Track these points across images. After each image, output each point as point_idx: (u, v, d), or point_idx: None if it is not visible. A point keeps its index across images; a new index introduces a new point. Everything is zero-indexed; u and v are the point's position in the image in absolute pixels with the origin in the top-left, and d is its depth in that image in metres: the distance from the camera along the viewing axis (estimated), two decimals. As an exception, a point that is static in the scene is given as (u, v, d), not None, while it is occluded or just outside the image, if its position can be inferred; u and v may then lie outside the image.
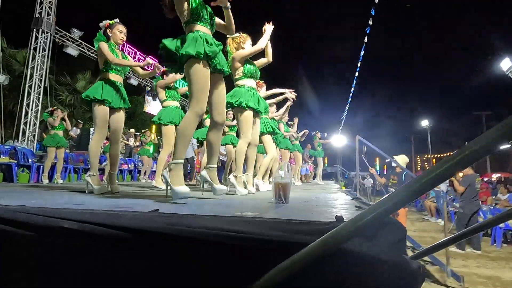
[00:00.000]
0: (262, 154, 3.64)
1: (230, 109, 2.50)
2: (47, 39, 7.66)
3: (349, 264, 0.68)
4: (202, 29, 1.67)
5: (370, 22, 5.55)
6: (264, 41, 2.40)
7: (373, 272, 0.66)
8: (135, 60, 10.67)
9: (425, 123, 21.83)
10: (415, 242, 3.32)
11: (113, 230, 0.96)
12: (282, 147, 5.01)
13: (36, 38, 7.55)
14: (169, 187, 1.55)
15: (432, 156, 29.58)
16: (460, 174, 6.45)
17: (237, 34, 2.49)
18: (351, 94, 9.57)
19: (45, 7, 7.48)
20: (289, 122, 6.01)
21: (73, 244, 1.00)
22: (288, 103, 3.96)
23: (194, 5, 1.65)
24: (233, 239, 0.80)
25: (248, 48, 2.45)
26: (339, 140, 16.34)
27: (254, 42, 2.51)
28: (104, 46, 2.25)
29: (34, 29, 7.48)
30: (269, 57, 2.62)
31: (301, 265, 0.69)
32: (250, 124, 2.35)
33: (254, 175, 2.84)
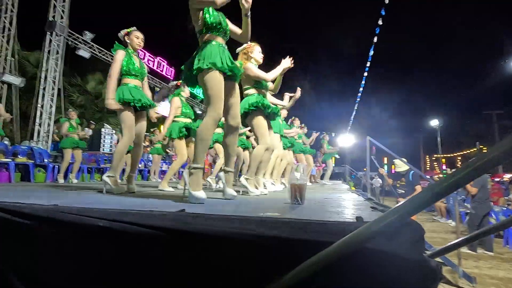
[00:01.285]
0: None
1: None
2: (60, 41, 7.85)
3: (372, 262, 0.72)
4: (216, 39, 1.74)
5: (380, 22, 5.55)
6: (274, 75, 2.47)
7: (395, 270, 0.71)
8: (144, 62, 10.83)
9: (434, 122, 21.52)
10: (426, 242, 3.33)
11: (145, 228, 1.03)
12: (297, 152, 5.06)
13: (50, 41, 7.74)
14: (187, 188, 1.62)
15: (442, 156, 29.15)
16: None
17: (245, 45, 2.54)
18: (359, 94, 9.52)
19: (58, 11, 7.67)
20: (302, 125, 6.06)
21: (106, 242, 1.07)
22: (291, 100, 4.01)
23: (209, 16, 1.72)
24: (259, 238, 0.86)
25: (257, 70, 2.47)
26: (347, 139, 16.27)
27: (264, 50, 2.57)
28: (117, 56, 2.36)
29: (48, 32, 7.67)
30: (275, 90, 2.74)
31: (325, 263, 0.74)
32: (265, 128, 2.40)
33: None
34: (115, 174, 2.29)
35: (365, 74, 7.62)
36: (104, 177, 2.28)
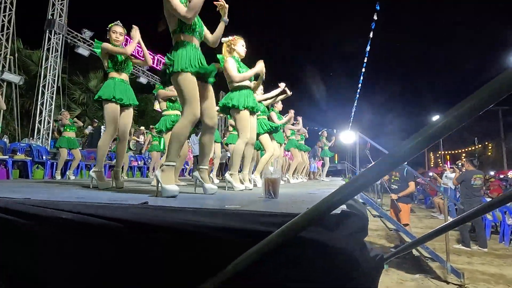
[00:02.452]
0: (258, 151, 3.70)
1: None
2: (59, 40, 7.92)
3: (306, 251, 0.74)
4: (190, 40, 1.76)
5: (375, 17, 5.49)
6: (243, 76, 2.46)
7: (330, 258, 0.72)
8: (141, 58, 10.89)
9: (436, 118, 21.33)
10: (414, 237, 3.32)
11: (105, 220, 1.05)
12: (288, 147, 5.06)
13: (49, 39, 7.81)
14: (159, 185, 1.64)
15: (446, 152, 28.86)
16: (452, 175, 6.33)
17: (230, 37, 2.54)
18: (358, 91, 9.46)
19: (57, 9, 7.73)
20: (295, 122, 6.04)
21: (69, 233, 1.10)
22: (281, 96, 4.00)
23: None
24: (205, 229, 0.88)
25: (231, 67, 2.46)
26: (348, 136, 16.20)
27: (249, 42, 2.57)
28: (103, 46, 2.38)
29: (47, 31, 7.74)
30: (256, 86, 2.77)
31: (262, 253, 0.75)
32: (247, 124, 2.41)
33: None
34: (101, 169, 2.32)
35: (363, 70, 7.56)
36: (91, 172, 2.32)
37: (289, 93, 3.43)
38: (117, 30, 2.47)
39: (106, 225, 1.02)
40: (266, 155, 3.02)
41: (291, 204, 1.48)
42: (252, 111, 2.49)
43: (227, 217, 0.93)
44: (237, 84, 2.47)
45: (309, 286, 0.72)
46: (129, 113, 2.52)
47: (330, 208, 0.69)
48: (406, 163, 4.64)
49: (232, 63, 2.43)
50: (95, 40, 2.47)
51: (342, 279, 0.70)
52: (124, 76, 2.50)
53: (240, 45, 2.52)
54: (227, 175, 2.38)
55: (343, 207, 0.93)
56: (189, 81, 1.68)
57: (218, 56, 2.55)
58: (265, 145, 3.12)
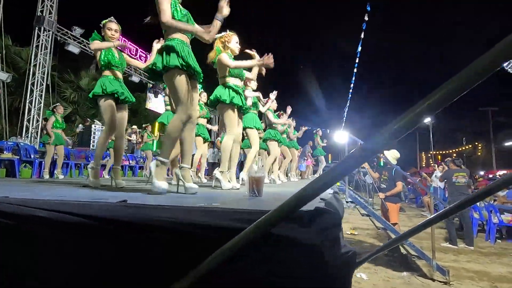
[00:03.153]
0: (249, 149, 3.71)
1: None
2: (49, 37, 7.79)
3: (277, 247, 0.74)
4: (180, 37, 1.75)
5: (366, 18, 5.54)
6: (241, 64, 2.48)
7: (297, 253, 0.73)
8: (136, 58, 10.79)
9: (427, 119, 21.69)
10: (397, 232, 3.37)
11: (80, 218, 1.04)
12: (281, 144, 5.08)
13: (38, 36, 7.68)
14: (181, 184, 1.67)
15: (437, 152, 29.27)
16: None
17: (223, 33, 2.53)
18: (351, 90, 9.54)
19: (47, 6, 7.60)
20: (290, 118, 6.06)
21: (45, 231, 1.09)
22: (272, 97, 4.01)
23: (177, 13, 1.72)
24: (181, 226, 0.88)
25: (230, 61, 2.46)
26: (341, 136, 16.34)
27: (242, 40, 2.56)
28: (95, 42, 2.35)
29: (36, 28, 7.61)
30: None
31: (235, 250, 0.76)
32: (235, 120, 2.41)
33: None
34: (97, 166, 2.30)
35: (355, 70, 7.63)
36: (88, 167, 2.31)
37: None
38: (112, 27, 2.44)
39: (82, 223, 1.01)
40: (252, 151, 3.01)
41: (273, 202, 1.49)
42: (240, 110, 2.49)
43: (201, 214, 0.93)
44: (228, 81, 2.47)
45: (277, 281, 0.73)
46: (125, 109, 2.51)
47: (300, 204, 0.70)
48: (396, 163, 4.70)
49: (226, 56, 2.43)
50: (94, 32, 2.44)
51: (310, 274, 0.71)
52: (119, 75, 2.49)
53: (234, 42, 2.51)
54: (217, 172, 2.38)
55: (318, 204, 0.94)
56: (183, 81, 1.69)
57: (217, 48, 2.53)
58: (253, 140, 3.11)
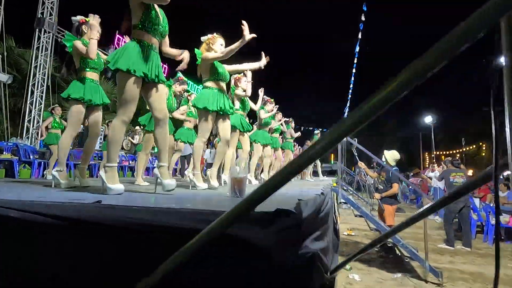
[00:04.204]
0: (239, 149, 3.72)
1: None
2: (49, 38, 7.88)
3: (231, 248, 0.74)
4: (148, 39, 1.75)
5: (363, 18, 5.52)
6: (232, 48, 2.35)
7: (250, 255, 0.73)
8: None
9: (428, 119, 21.58)
10: (394, 237, 3.34)
11: (51, 219, 1.05)
12: (274, 146, 5.08)
13: (39, 38, 7.77)
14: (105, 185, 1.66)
15: (441, 153, 29.03)
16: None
17: (209, 35, 2.52)
18: (350, 90, 9.52)
19: (47, 7, 7.68)
20: (289, 119, 6.01)
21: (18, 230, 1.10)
22: (261, 94, 4.00)
23: (153, 14, 1.73)
24: (149, 227, 0.88)
25: (215, 53, 2.41)
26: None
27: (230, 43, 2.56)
28: (78, 44, 2.32)
29: (37, 29, 7.69)
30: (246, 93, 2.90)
31: (192, 251, 0.76)
32: (208, 126, 2.41)
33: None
34: (63, 168, 2.27)
35: (353, 71, 7.60)
36: (53, 171, 2.27)
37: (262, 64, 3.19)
38: (96, 25, 2.33)
39: (52, 223, 1.02)
40: (228, 151, 3.00)
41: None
42: (224, 113, 2.48)
43: (167, 215, 0.93)
44: (208, 83, 2.47)
45: (228, 281, 0.73)
46: (98, 109, 2.47)
47: (251, 206, 0.70)
48: (395, 165, 4.67)
49: (211, 53, 2.42)
50: (67, 33, 2.44)
51: (259, 274, 0.71)
52: (95, 76, 2.46)
53: (218, 44, 2.47)
54: (189, 173, 2.39)
55: (278, 205, 0.93)
56: (130, 84, 1.66)
57: (196, 50, 2.51)
58: (232, 142, 3.14)
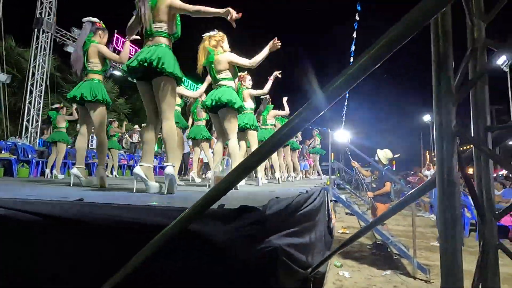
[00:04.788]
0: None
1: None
2: (48, 38, 7.93)
3: (193, 243, 0.80)
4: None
5: (357, 18, 5.55)
6: (262, 57, 2.48)
7: (208, 248, 0.78)
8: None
9: (427, 118, 21.66)
10: (384, 235, 3.40)
11: (34, 216, 1.10)
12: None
13: (38, 37, 7.83)
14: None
15: (441, 151, 28.92)
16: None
17: (213, 32, 2.58)
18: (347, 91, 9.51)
19: (46, 7, 7.74)
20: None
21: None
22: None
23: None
24: (117, 223, 0.94)
25: (245, 59, 2.53)
26: (342, 135, 16.34)
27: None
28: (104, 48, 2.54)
29: (36, 29, 7.75)
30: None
31: (157, 246, 0.81)
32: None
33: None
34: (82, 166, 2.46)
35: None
36: (74, 170, 2.39)
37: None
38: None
39: (34, 220, 1.07)
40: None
41: (231, 200, 1.54)
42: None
43: (141, 212, 0.98)
44: (231, 83, 2.56)
45: (187, 274, 0.78)
46: (93, 108, 2.51)
47: (208, 203, 0.75)
48: (387, 163, 4.72)
49: (236, 56, 2.52)
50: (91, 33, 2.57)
51: (213, 267, 0.76)
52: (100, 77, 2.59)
53: (226, 43, 2.59)
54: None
55: (242, 202, 0.98)
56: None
57: (210, 49, 2.56)
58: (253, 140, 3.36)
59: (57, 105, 5.70)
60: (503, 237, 5.23)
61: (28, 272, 1.02)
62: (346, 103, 12.17)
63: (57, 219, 1.06)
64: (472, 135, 0.72)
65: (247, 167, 0.71)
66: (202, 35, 2.63)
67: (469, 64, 0.76)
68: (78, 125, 2.55)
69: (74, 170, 2.38)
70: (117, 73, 10.45)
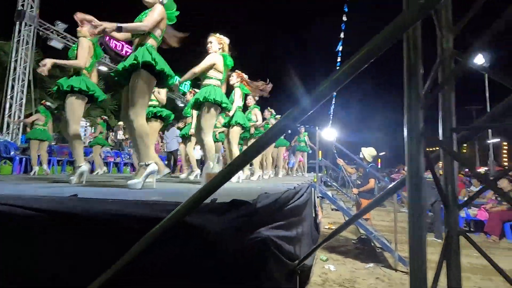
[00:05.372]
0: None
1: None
2: (30, 32, 7.69)
3: (188, 235, 0.86)
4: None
5: (344, 18, 5.68)
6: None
7: (201, 239, 0.84)
8: (124, 53, 10.76)
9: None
10: (368, 229, 3.54)
11: (28, 211, 1.13)
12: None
13: (20, 31, 7.58)
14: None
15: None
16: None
17: (218, 35, 2.77)
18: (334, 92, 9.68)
19: (28, 0, 7.50)
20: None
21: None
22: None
23: None
24: (117, 217, 0.98)
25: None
26: (329, 133, 16.63)
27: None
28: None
29: (17, 22, 7.50)
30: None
31: (154, 237, 0.86)
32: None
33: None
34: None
35: (337, 69, 7.76)
36: (83, 167, 2.40)
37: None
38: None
39: (29, 215, 1.10)
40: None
41: (223, 196, 1.60)
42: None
43: (135, 206, 1.03)
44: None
45: (183, 263, 0.84)
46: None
47: (203, 197, 0.81)
48: (371, 160, 4.89)
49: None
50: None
51: (206, 256, 0.83)
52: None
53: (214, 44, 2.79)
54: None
55: (234, 196, 1.05)
56: None
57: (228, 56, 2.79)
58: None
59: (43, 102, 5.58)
60: (480, 231, 5.52)
61: (27, 271, 1.05)
62: (333, 102, 12.39)
63: (57, 214, 1.09)
64: (440, 136, 0.81)
65: (241, 162, 0.77)
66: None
67: (439, 72, 0.85)
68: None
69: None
70: (103, 68, 10.24)
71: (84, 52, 2.51)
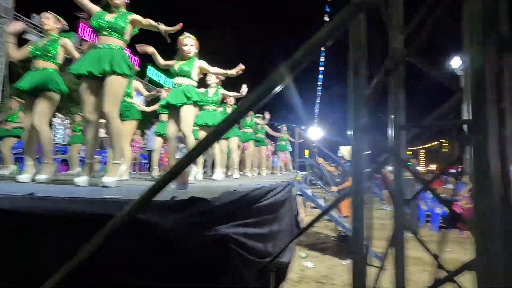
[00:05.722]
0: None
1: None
2: (5, 24, 7.36)
3: (142, 231, 0.85)
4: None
5: (327, 19, 5.74)
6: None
7: (156, 235, 0.84)
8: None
9: (391, 116, 23.05)
10: (344, 226, 3.61)
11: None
12: (243, 140, 5.19)
13: (-7, 23, 7.25)
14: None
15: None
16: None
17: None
18: (319, 88, 9.83)
19: (3, -9, 7.19)
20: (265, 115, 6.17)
21: None
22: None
23: None
24: (70, 215, 0.96)
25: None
26: (314, 132, 16.82)
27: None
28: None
29: (-9, 14, 7.18)
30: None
31: (106, 236, 0.85)
32: None
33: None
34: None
35: (321, 69, 7.87)
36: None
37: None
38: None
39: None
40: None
41: (191, 194, 1.59)
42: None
43: (90, 204, 1.01)
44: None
45: (137, 259, 0.83)
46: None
47: (151, 194, 0.80)
48: (349, 162, 4.98)
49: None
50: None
51: (162, 252, 0.82)
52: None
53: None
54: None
55: (192, 193, 1.04)
56: None
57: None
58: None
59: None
60: (453, 226, 5.72)
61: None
62: (318, 101, 12.54)
63: (12, 212, 1.06)
64: (389, 133, 0.83)
65: (198, 148, 0.77)
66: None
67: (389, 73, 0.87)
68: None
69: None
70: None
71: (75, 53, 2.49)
